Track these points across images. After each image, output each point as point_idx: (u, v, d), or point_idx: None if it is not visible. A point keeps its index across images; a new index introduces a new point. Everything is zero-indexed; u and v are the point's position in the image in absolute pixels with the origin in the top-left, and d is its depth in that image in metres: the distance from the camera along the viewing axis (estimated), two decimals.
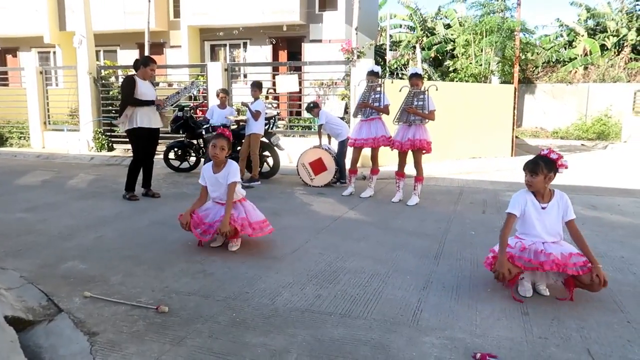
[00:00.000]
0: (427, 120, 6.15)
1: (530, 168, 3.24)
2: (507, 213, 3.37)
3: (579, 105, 18.46)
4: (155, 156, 6.67)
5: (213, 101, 9.29)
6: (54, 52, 18.12)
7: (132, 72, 6.52)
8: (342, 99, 10.53)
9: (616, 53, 20.03)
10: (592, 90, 18.46)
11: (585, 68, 19.85)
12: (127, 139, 6.57)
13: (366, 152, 7.00)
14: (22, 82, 12.93)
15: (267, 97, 11.71)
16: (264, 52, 16.15)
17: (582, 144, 16.22)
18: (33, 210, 5.68)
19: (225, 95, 8.21)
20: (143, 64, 6.23)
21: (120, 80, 11.66)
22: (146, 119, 6.21)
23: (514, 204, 3.35)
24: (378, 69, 6.78)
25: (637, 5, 21.07)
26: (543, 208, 3.29)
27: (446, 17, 22.71)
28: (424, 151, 6.17)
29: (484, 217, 5.74)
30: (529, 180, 3.26)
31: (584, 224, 5.31)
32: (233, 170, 4.22)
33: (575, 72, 19.82)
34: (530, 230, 3.34)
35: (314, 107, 7.64)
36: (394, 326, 2.85)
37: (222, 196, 4.24)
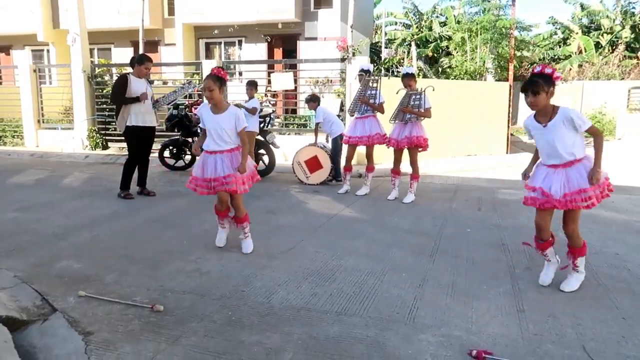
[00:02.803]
0: (423, 117, 6.15)
1: (531, 88, 3.17)
2: None
3: (573, 102, 18.51)
4: (150, 155, 6.64)
5: None
6: (48, 50, 17.99)
7: (127, 70, 6.49)
8: (337, 97, 10.52)
9: (610, 51, 20.11)
10: (586, 87, 18.53)
11: (580, 66, 19.91)
12: (122, 138, 6.54)
13: (361, 149, 6.99)
14: (16, 80, 12.83)
15: (265, 95, 11.67)
16: (259, 50, 16.10)
17: None
18: (27, 210, 5.65)
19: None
20: (138, 62, 6.20)
21: (115, 78, 11.61)
22: (141, 117, 6.19)
23: (525, 132, 3.47)
24: (369, 66, 6.77)
25: (631, 3, 21.16)
26: (544, 127, 3.26)
27: (441, 15, 22.72)
28: (420, 148, 6.17)
29: (479, 214, 5.75)
30: (532, 101, 3.20)
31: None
32: (240, 117, 4.04)
33: (570, 69, 19.89)
34: (541, 152, 3.37)
35: (312, 100, 7.46)
36: (390, 324, 2.85)
37: (221, 141, 4.01)
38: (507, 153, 11.88)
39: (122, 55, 16.74)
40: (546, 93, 3.17)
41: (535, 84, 3.15)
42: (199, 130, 8.24)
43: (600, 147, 3.21)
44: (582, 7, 22.45)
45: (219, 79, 3.97)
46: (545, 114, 3.25)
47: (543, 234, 3.42)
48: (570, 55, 20.41)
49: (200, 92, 10.63)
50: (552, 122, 3.22)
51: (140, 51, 13.85)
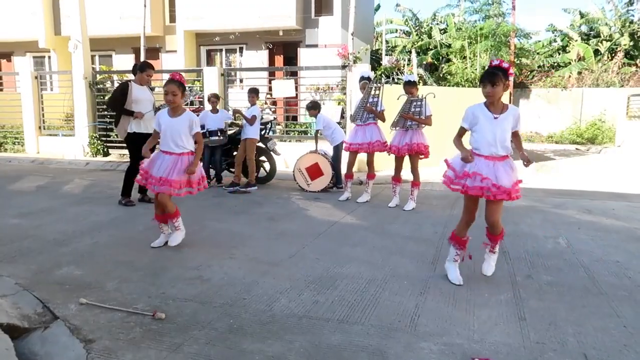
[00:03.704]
0: (423, 125, 6.17)
1: (491, 79, 3.36)
2: (460, 127, 3.69)
3: (573, 109, 18.56)
4: None
5: (209, 106, 9.28)
6: (49, 57, 18.06)
7: (128, 77, 6.54)
8: (338, 104, 10.55)
9: (609, 58, 20.18)
10: (586, 94, 18.57)
11: (579, 73, 19.98)
12: (123, 144, 6.57)
13: (362, 156, 7.01)
14: (17, 86, 12.87)
15: (265, 103, 11.71)
16: (260, 57, 16.17)
17: (577, 148, 16.30)
18: (28, 216, 5.65)
19: (216, 100, 8.18)
20: (140, 69, 6.24)
21: (117, 84, 11.65)
22: (142, 124, 6.21)
23: (465, 118, 3.61)
24: (369, 73, 6.81)
25: (630, 10, 21.26)
26: (495, 118, 3.46)
27: (442, 22, 22.82)
28: (421, 156, 6.19)
29: (480, 221, 5.73)
30: (490, 91, 3.39)
31: (580, 228, 5.34)
32: (196, 122, 4.35)
33: (570, 76, 19.94)
34: (481, 140, 3.50)
35: (313, 108, 7.47)
36: (392, 332, 2.84)
37: (173, 144, 4.29)
38: None
39: (124, 62, 16.81)
40: (503, 85, 3.38)
41: (495, 75, 3.38)
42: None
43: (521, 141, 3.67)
44: (581, 14, 22.55)
45: (181, 84, 4.29)
46: (497, 106, 3.47)
47: (471, 217, 3.75)
48: (570, 63, 20.46)
49: (201, 99, 10.68)
50: (504, 115, 3.46)
51: (142, 58, 13.91)
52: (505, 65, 3.42)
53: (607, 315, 3.10)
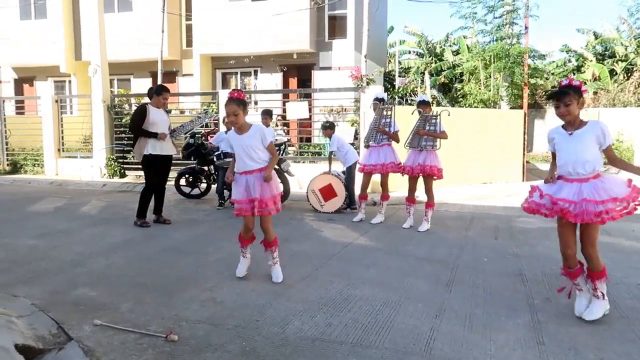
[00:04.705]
0: (438, 145, 6.16)
1: (562, 99, 3.22)
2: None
3: None
4: (167, 183, 6.73)
5: (224, 128, 9.39)
6: (69, 81, 18.53)
7: (145, 100, 6.66)
8: (351, 125, 10.60)
9: (626, 78, 20.03)
10: (602, 114, 18.38)
11: (595, 93, 19.84)
12: (139, 166, 6.66)
13: (376, 177, 7.00)
14: (38, 110, 13.21)
15: (276, 125, 11.82)
16: (274, 80, 16.38)
17: None
18: (45, 237, 5.73)
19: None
20: (156, 92, 6.38)
21: (134, 107, 11.88)
22: (158, 146, 6.30)
23: (548, 142, 3.45)
24: (383, 95, 6.85)
25: None
26: (570, 134, 3.28)
27: (455, 44, 22.94)
28: (435, 177, 6.17)
29: (496, 243, 5.67)
30: (564, 111, 3.24)
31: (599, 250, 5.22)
32: (266, 132, 4.02)
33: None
34: (560, 159, 3.34)
35: (329, 127, 7.54)
36: (407, 356, 2.79)
37: (249, 161, 3.98)
38: (523, 181, 11.77)
39: (141, 85, 17.16)
40: (577, 102, 3.23)
41: (566, 95, 3.22)
42: (215, 159, 8.34)
43: (620, 161, 3.36)
44: (596, 35, 22.52)
45: (241, 101, 3.96)
46: (573, 124, 3.29)
47: (570, 260, 3.36)
48: (585, 83, 20.37)
49: (216, 122, 10.81)
50: (581, 130, 3.26)
51: (159, 81, 14.19)
52: (576, 83, 3.29)
53: (629, 341, 3.00)
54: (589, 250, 3.30)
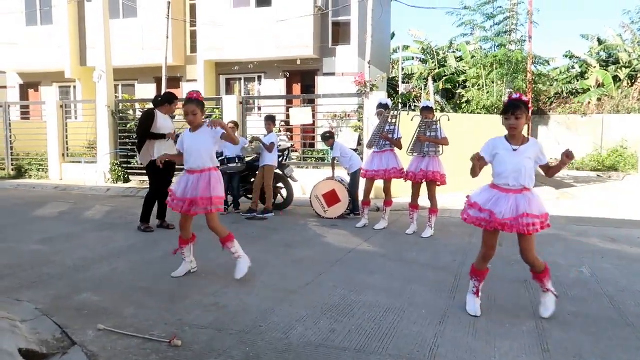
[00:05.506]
0: (441, 151, 6.16)
1: (515, 112, 3.35)
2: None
3: (593, 136, 18.34)
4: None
5: None
6: (74, 87, 18.63)
7: (149, 106, 6.71)
8: (355, 131, 10.61)
9: (630, 84, 19.99)
10: (606, 121, 18.36)
11: (599, 99, 19.80)
12: (143, 171, 6.69)
13: (379, 183, 7.00)
14: (43, 115, 13.26)
15: (279, 130, 11.84)
16: (278, 85, 16.43)
17: (598, 175, 16.02)
18: (49, 242, 5.74)
19: (235, 127, 8.30)
20: (168, 101, 6.47)
21: (138, 113, 11.93)
22: (164, 151, 6.32)
23: (484, 148, 3.57)
24: (387, 101, 6.86)
25: None
26: (514, 150, 3.41)
27: (458, 51, 22.98)
28: (438, 183, 6.16)
29: (500, 249, 5.61)
30: (515, 124, 3.37)
31: (603, 257, 5.20)
32: (217, 130, 4.19)
33: (589, 103, 19.78)
34: (501, 172, 3.45)
35: (329, 138, 7.63)
36: None
37: (198, 160, 4.18)
38: None
39: (146, 90, 17.25)
40: (525, 117, 3.39)
41: (519, 109, 3.37)
42: (218, 165, 8.34)
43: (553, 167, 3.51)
44: (599, 41, 22.51)
45: (200, 102, 4.22)
46: (518, 138, 3.44)
47: (488, 260, 3.61)
48: (589, 89, 20.33)
49: None
50: (524, 147, 3.41)
51: (163, 87, 14.26)
52: (525, 98, 3.44)
53: (635, 348, 2.99)
54: (530, 256, 3.49)
